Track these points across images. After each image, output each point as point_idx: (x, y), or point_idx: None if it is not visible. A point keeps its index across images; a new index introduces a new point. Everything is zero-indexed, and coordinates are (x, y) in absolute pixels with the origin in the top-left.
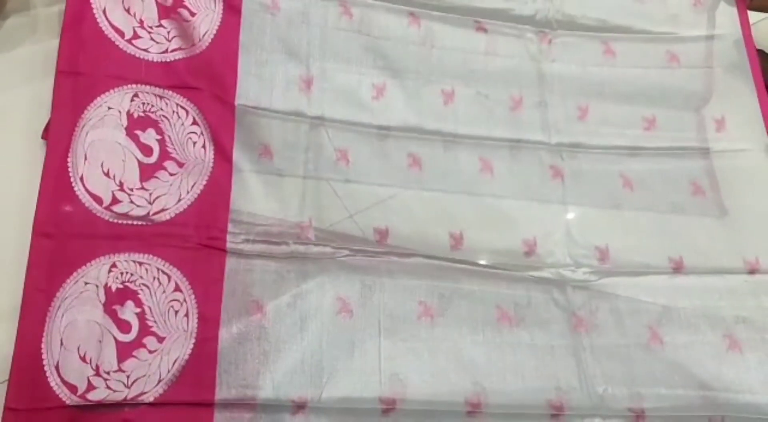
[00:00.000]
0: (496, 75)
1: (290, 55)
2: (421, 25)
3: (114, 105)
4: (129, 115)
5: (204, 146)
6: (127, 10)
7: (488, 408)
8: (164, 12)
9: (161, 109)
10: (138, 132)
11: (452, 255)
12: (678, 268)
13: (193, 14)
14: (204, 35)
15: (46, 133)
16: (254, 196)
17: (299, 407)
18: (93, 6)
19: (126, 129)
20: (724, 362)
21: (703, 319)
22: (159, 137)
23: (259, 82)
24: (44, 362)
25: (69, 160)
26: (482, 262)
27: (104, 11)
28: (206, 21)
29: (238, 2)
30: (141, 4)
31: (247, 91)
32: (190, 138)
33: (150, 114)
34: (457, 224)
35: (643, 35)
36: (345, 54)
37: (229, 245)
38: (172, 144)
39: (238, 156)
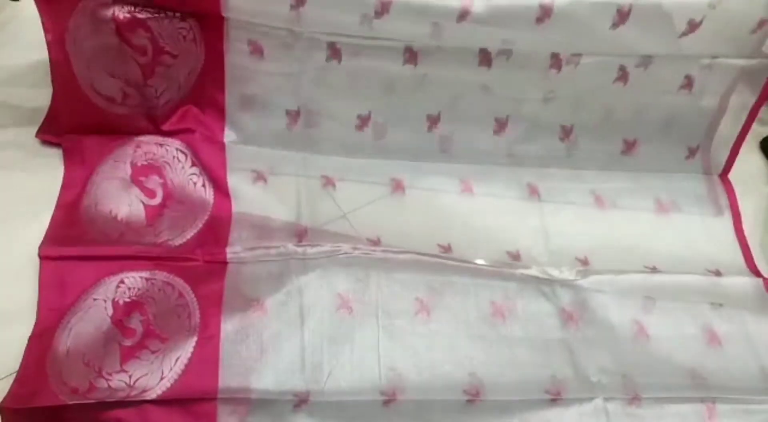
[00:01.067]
0: None
1: (278, 91)
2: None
3: (119, 159)
4: (133, 164)
5: (204, 185)
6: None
7: (487, 396)
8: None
9: (162, 156)
10: (142, 179)
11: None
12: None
13: (174, 57)
14: (189, 74)
15: (40, 133)
16: (252, 221)
17: (301, 401)
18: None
19: (131, 177)
20: (707, 355)
21: (683, 312)
22: (162, 181)
23: (247, 120)
24: (47, 370)
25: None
26: (476, 262)
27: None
28: (189, 62)
29: (220, 46)
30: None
31: (235, 128)
32: (191, 179)
33: (152, 162)
34: (444, 238)
35: None
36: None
37: (229, 256)
38: (174, 187)
39: (234, 186)
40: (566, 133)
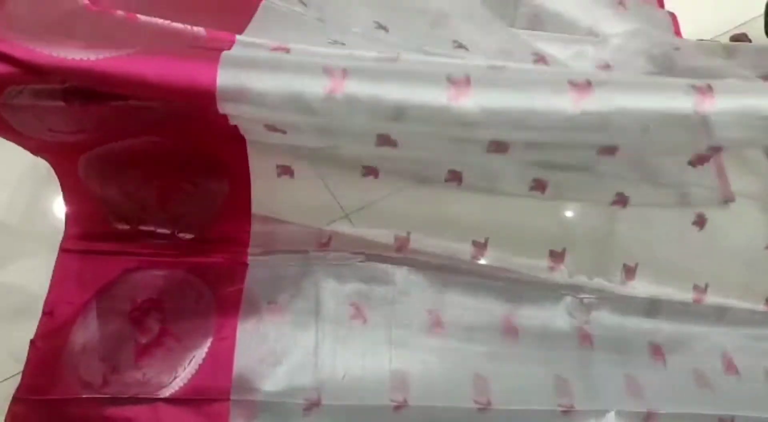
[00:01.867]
0: None
1: None
2: None
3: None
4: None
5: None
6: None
7: (497, 405)
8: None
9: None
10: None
11: (471, 267)
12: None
13: None
14: None
15: None
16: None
17: (312, 404)
18: None
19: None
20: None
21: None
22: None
23: None
24: (62, 364)
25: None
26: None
27: None
28: None
29: None
30: None
31: None
32: None
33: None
34: (481, 232)
35: None
36: None
37: (250, 258)
38: None
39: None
40: None
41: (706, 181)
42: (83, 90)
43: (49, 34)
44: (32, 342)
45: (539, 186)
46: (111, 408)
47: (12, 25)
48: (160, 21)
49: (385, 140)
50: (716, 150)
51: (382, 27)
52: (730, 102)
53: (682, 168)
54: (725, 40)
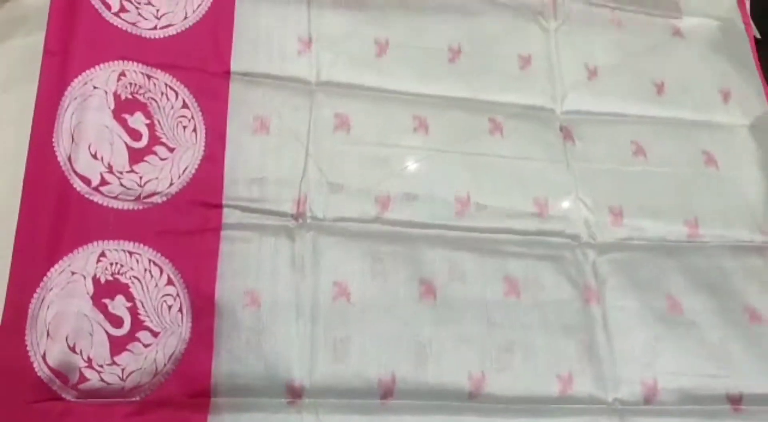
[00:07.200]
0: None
1: (288, 18)
2: None
3: (99, 84)
4: (116, 96)
5: (195, 129)
6: None
7: (491, 391)
8: None
9: (149, 91)
10: (126, 116)
11: (457, 223)
12: (693, 235)
13: None
14: (198, 7)
15: None
16: (249, 174)
17: (296, 396)
18: None
19: (113, 112)
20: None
21: (722, 289)
22: (148, 121)
23: (256, 47)
24: (29, 352)
25: (54, 139)
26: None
27: None
28: None
29: None
30: None
31: (243, 56)
32: (180, 122)
33: (137, 96)
34: (463, 186)
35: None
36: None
37: (224, 221)
38: (162, 128)
39: (232, 134)
40: None
41: None
42: None
43: None
44: None
45: None
46: (91, 407)
47: None
48: None
49: None
50: None
51: None
52: None
53: None
54: None
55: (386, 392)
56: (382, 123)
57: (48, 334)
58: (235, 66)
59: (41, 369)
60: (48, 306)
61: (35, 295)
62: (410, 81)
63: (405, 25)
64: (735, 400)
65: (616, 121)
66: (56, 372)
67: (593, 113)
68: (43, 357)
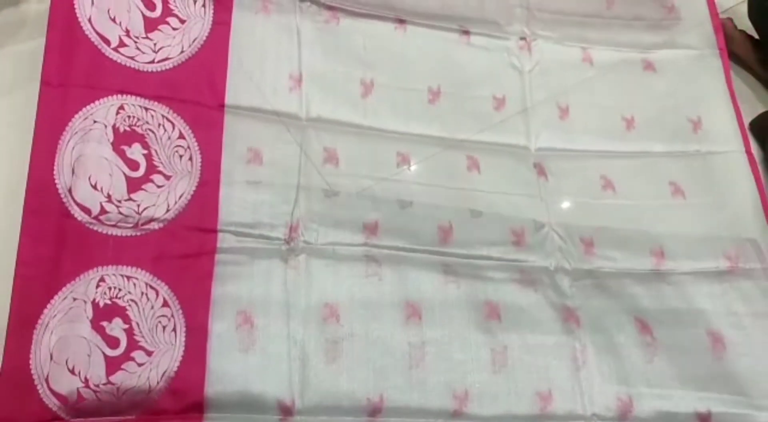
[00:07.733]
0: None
1: (280, 56)
2: (407, 30)
3: (99, 118)
4: (115, 129)
5: (191, 158)
6: (113, 20)
7: (474, 410)
8: (150, 24)
9: (147, 123)
10: (124, 147)
11: (441, 249)
12: (659, 264)
13: (182, 22)
14: (194, 41)
15: None
16: (243, 201)
17: (287, 413)
18: (78, 14)
19: (112, 144)
20: (713, 364)
21: (687, 314)
22: (145, 152)
23: (249, 83)
24: (33, 375)
25: (55, 172)
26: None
27: (89, 20)
28: (196, 27)
29: (229, 6)
30: (127, 16)
31: (237, 90)
32: (177, 151)
33: (135, 128)
34: (445, 216)
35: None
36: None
37: (219, 245)
38: (159, 158)
39: (227, 163)
40: None
41: None
42: None
43: None
44: None
45: None
46: None
47: None
48: None
49: None
50: None
51: None
52: None
53: None
54: None
55: (374, 410)
56: (368, 157)
57: (51, 358)
58: (229, 99)
59: (44, 393)
60: (52, 332)
61: (39, 322)
62: (393, 120)
63: (389, 67)
64: (704, 418)
65: (586, 156)
66: (57, 394)
67: (565, 150)
68: (46, 379)
